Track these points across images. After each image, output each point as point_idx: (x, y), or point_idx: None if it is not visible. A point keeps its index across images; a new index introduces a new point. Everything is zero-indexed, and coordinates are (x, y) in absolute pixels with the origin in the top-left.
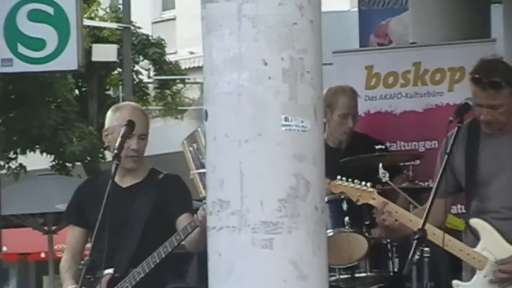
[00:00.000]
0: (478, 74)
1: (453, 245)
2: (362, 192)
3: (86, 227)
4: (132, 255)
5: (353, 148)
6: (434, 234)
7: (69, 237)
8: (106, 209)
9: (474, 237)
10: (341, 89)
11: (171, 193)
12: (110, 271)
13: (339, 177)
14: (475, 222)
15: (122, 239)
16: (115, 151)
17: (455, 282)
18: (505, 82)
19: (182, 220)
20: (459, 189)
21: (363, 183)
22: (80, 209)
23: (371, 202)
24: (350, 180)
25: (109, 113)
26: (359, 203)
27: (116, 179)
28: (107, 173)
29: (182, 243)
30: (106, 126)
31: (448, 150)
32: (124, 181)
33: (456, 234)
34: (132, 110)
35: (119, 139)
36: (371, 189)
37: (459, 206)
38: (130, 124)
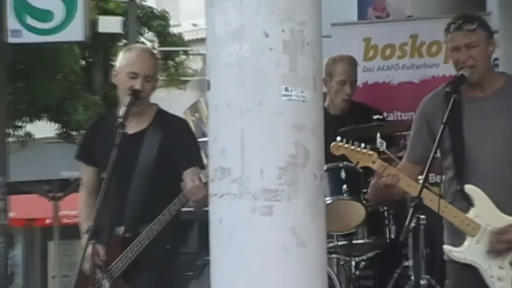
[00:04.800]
0: (453, 21)
1: (449, 211)
2: (362, 155)
3: (97, 165)
4: (141, 209)
5: (352, 117)
6: (431, 200)
7: (83, 176)
8: (111, 172)
9: (466, 203)
10: (339, 58)
11: (177, 142)
12: (121, 230)
13: (339, 138)
14: (469, 188)
15: (130, 191)
16: (120, 120)
17: (447, 247)
18: (479, 24)
19: (188, 174)
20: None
21: (363, 145)
22: (91, 149)
23: (371, 165)
24: (350, 142)
25: (120, 54)
26: (359, 166)
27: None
28: (112, 115)
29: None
30: (116, 67)
31: (444, 120)
32: (130, 127)
33: None
34: (141, 51)
35: (123, 108)
36: (371, 152)
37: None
38: (134, 93)
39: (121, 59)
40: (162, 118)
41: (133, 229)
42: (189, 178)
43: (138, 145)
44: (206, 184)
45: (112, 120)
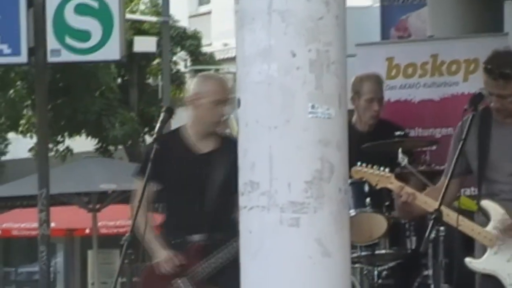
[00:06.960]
0: (491, 65)
1: (466, 225)
2: (380, 177)
3: (157, 181)
4: (215, 218)
5: (377, 133)
6: (448, 215)
7: (146, 191)
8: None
9: (485, 218)
10: (366, 76)
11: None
12: (198, 238)
13: (359, 163)
14: (486, 203)
15: (201, 204)
16: (154, 136)
17: (467, 259)
18: None
19: None
20: (469, 171)
21: (381, 168)
22: (154, 166)
23: (389, 186)
24: (369, 166)
25: (197, 80)
26: (377, 187)
27: (192, 143)
28: (176, 134)
29: None
30: (195, 92)
31: (463, 136)
32: (202, 146)
33: (469, 214)
34: (220, 80)
35: (158, 124)
36: (388, 174)
37: (472, 188)
38: (169, 111)
39: (201, 86)
40: (229, 141)
41: (210, 237)
42: None
43: (209, 163)
44: None
45: (172, 142)
